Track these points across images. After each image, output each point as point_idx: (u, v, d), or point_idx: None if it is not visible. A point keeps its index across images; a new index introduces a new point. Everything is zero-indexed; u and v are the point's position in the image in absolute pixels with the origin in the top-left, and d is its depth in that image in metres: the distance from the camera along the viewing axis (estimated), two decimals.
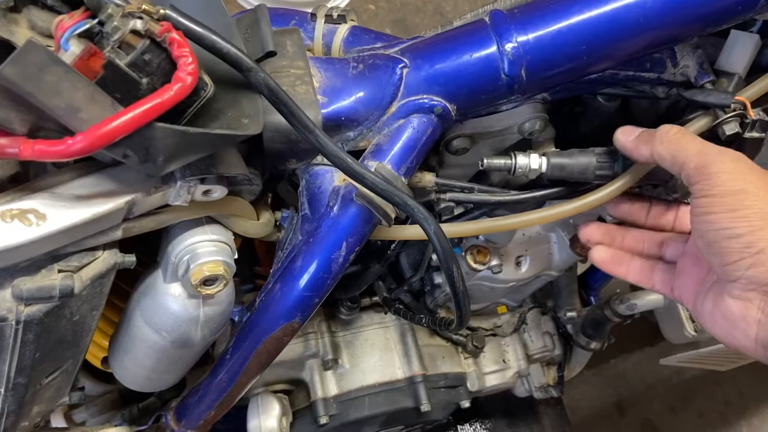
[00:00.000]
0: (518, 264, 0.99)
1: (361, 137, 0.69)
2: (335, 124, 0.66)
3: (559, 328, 1.13)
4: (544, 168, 0.73)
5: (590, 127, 0.90)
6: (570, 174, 0.74)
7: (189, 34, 0.52)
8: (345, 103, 0.66)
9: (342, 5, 2.25)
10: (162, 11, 0.51)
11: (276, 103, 0.56)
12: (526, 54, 0.66)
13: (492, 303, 1.10)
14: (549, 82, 0.70)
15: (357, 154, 0.69)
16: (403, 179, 0.66)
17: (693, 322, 0.94)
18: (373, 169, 0.65)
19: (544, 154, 0.74)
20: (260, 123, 0.55)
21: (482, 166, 0.73)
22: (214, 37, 0.52)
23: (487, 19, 0.68)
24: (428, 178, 0.76)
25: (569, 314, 1.11)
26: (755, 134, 0.69)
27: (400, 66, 0.68)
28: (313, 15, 0.74)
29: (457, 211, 0.84)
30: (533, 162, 0.73)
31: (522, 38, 0.66)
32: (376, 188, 0.61)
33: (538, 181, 0.80)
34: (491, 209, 0.82)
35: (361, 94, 0.67)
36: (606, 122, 0.89)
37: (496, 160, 0.74)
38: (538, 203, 0.82)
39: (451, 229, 0.71)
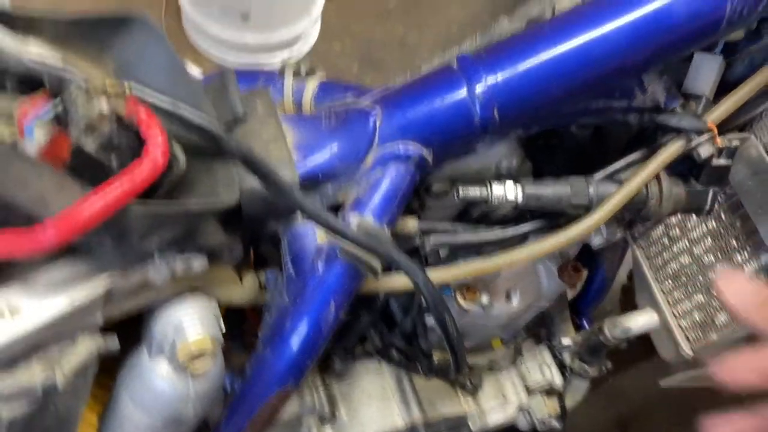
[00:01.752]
0: (508, 297, 0.98)
1: (340, 191, 0.68)
2: (313, 181, 0.65)
3: (555, 357, 1.12)
4: (519, 198, 0.72)
5: (566, 157, 0.90)
6: (546, 204, 0.73)
7: (157, 109, 0.51)
8: (321, 159, 0.65)
9: (306, 49, 2.26)
10: (127, 87, 0.50)
11: (251, 169, 0.55)
12: (496, 95, 0.66)
13: (486, 338, 1.09)
14: (522, 121, 0.70)
15: (337, 207, 0.68)
16: (386, 230, 0.65)
17: (689, 341, 0.94)
18: (354, 223, 0.64)
19: (519, 184, 0.73)
20: (236, 191, 0.54)
21: (457, 196, 0.72)
22: (183, 111, 0.51)
23: (454, 64, 0.68)
24: (411, 224, 0.76)
25: (564, 342, 1.10)
26: (722, 162, 0.69)
27: (372, 116, 0.67)
28: (281, 73, 0.74)
29: (444, 251, 0.83)
30: (509, 192, 0.72)
31: (491, 80, 0.66)
32: (359, 243, 0.60)
33: (521, 216, 0.80)
34: (478, 248, 0.81)
35: (336, 148, 0.66)
36: (581, 151, 0.89)
37: (471, 191, 0.72)
38: (523, 238, 0.82)
39: (439, 275, 0.70)
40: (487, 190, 0.73)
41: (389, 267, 0.66)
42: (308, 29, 2.22)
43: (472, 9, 2.35)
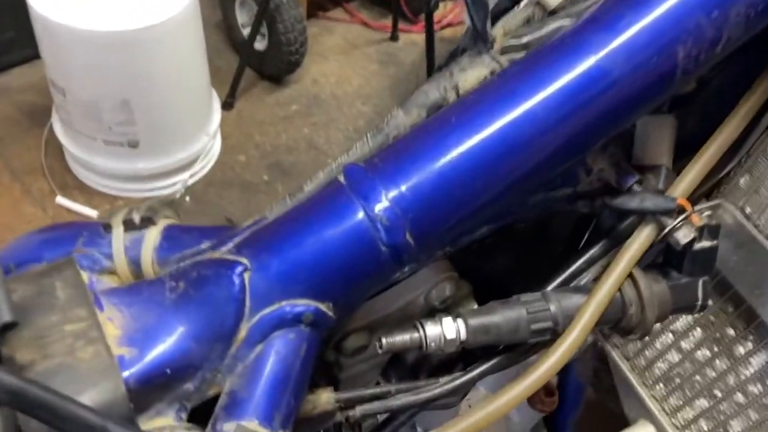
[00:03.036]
0: None
1: (207, 384, 0.47)
2: (160, 383, 0.44)
3: None
4: (462, 335, 0.53)
5: (508, 258, 0.73)
6: (498, 336, 0.55)
7: None
8: (166, 346, 0.44)
9: (209, 165, 2.09)
10: None
11: (29, 410, 0.34)
12: (404, 213, 0.48)
13: None
14: (446, 238, 0.52)
15: (209, 406, 0.47)
16: None
17: None
18: None
19: (458, 316, 0.54)
20: None
21: (380, 349, 0.52)
22: None
23: (341, 178, 0.50)
24: (325, 398, 0.55)
25: None
26: (707, 244, 0.53)
27: (238, 271, 0.47)
28: (107, 226, 0.53)
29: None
30: (447, 330, 0.53)
31: (393, 193, 0.48)
32: None
33: (470, 353, 0.61)
34: (422, 408, 0.61)
35: (187, 326, 0.45)
36: (525, 248, 0.73)
37: (398, 338, 0.53)
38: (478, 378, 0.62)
39: None
40: (419, 334, 0.53)
41: None
42: (207, 147, 2.06)
43: (374, 101, 2.27)
